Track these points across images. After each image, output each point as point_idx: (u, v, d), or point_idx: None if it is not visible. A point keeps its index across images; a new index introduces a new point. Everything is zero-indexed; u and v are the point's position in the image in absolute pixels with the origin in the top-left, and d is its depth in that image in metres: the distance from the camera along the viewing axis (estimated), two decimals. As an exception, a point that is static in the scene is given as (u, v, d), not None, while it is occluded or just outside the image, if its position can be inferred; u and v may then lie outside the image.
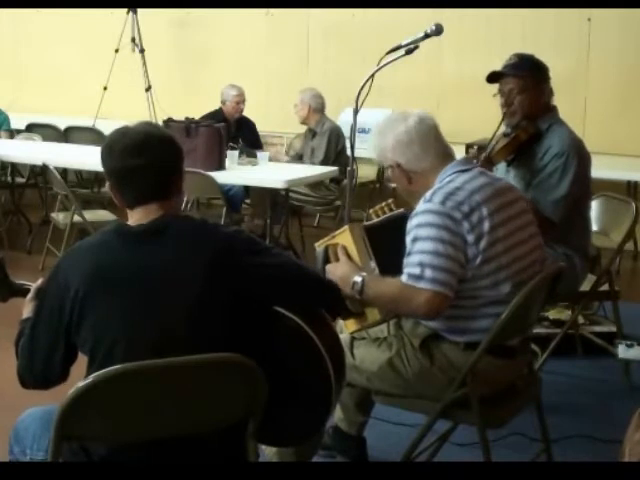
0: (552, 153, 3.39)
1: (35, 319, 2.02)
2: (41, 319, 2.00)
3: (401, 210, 2.74)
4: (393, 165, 2.57)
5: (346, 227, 2.59)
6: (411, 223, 2.45)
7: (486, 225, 2.41)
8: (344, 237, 2.57)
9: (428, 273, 2.37)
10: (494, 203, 2.46)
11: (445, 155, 2.55)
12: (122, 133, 2.01)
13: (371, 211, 2.84)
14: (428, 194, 2.46)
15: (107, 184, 2.05)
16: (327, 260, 2.57)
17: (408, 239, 2.44)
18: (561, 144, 3.39)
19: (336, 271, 2.51)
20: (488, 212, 2.42)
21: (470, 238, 2.39)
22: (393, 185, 2.65)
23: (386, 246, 2.59)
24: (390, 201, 2.80)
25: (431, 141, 2.54)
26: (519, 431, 3.10)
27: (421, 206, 2.44)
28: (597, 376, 3.92)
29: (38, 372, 2.03)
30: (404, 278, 2.41)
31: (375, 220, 2.74)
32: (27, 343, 2.03)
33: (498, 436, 2.96)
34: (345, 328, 2.67)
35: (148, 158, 1.96)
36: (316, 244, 2.66)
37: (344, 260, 2.53)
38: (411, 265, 2.40)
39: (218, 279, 1.93)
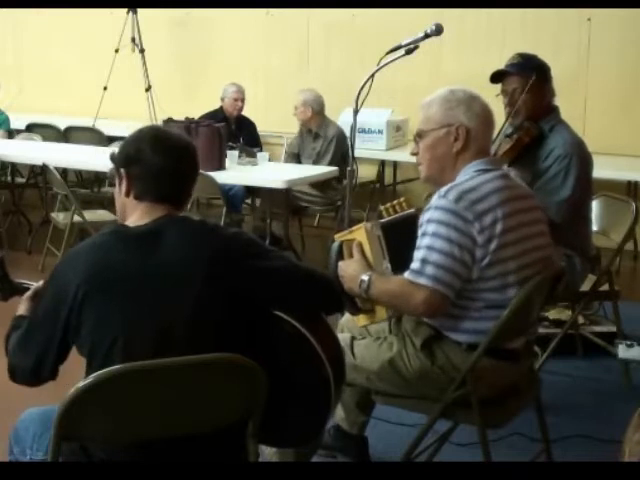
0: (555, 155, 3.37)
1: (31, 319, 2.04)
2: (37, 319, 2.01)
3: (412, 210, 2.72)
4: (457, 125, 2.50)
5: (362, 225, 2.57)
6: (423, 217, 2.44)
7: (498, 227, 2.38)
8: (360, 234, 2.57)
9: (429, 270, 2.36)
10: (509, 207, 2.43)
11: (485, 151, 2.55)
12: (166, 133, 2.10)
13: (382, 208, 2.78)
14: (443, 190, 2.42)
15: (122, 170, 2.05)
16: (341, 255, 2.57)
17: (419, 233, 2.44)
18: (564, 146, 3.38)
19: (347, 269, 2.53)
20: (502, 215, 2.39)
21: (480, 239, 2.37)
22: (415, 152, 2.60)
23: (399, 245, 2.58)
24: (402, 200, 2.75)
25: (487, 131, 2.56)
26: (519, 431, 3.11)
27: (434, 201, 2.42)
28: (597, 376, 3.92)
29: (28, 369, 2.02)
30: (406, 273, 2.42)
31: (390, 217, 2.71)
32: (22, 339, 2.03)
33: (498, 436, 2.96)
34: (356, 322, 2.68)
35: (186, 165, 2.07)
36: (336, 235, 2.65)
37: (357, 258, 2.54)
38: (415, 260, 2.41)
39: (216, 280, 1.93)
